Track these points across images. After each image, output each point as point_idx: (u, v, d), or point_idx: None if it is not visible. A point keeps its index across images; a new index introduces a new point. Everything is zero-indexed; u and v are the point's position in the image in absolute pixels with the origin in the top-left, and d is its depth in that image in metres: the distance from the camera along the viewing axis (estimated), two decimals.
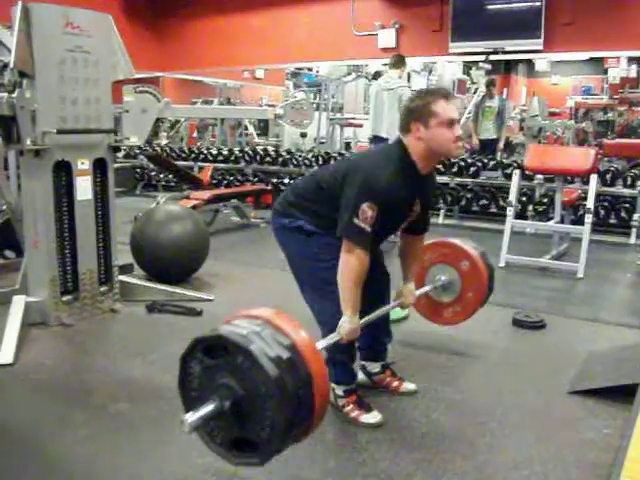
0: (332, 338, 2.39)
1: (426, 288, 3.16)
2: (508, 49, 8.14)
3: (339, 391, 2.65)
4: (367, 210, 2.33)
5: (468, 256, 3.17)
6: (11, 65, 3.44)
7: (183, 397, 1.92)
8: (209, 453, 2.37)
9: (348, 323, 2.40)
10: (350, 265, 2.38)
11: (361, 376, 2.89)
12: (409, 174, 2.46)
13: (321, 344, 2.28)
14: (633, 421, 2.36)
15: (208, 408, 1.78)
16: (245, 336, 1.79)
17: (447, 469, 2.28)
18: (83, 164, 3.77)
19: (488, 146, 8.81)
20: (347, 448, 2.44)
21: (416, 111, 2.43)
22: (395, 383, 2.91)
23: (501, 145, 8.97)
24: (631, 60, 13.71)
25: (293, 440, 1.89)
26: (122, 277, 4.25)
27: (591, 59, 12.78)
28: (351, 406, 2.63)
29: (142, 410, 2.73)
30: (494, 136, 8.86)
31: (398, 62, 6.47)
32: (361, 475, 2.24)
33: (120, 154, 9.08)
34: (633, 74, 14.35)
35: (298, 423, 1.83)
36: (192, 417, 1.75)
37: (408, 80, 7.31)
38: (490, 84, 9.02)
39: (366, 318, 2.55)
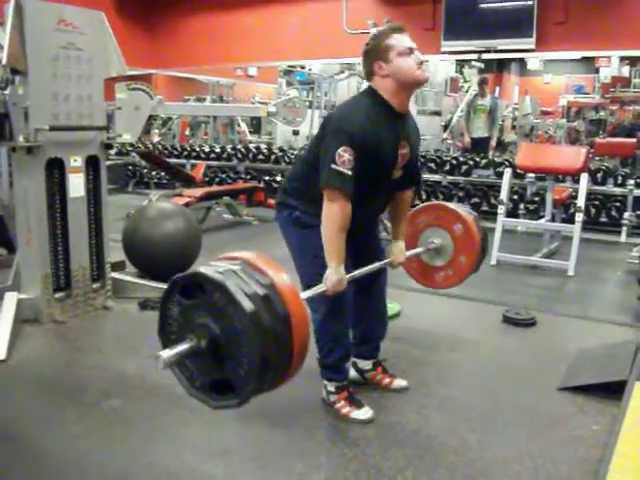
0: (318, 289, 2.37)
1: (417, 250, 3.12)
2: (500, 48, 8.18)
3: (331, 387, 2.67)
4: (343, 154, 2.34)
5: (462, 220, 3.14)
6: (4, 62, 3.44)
7: (163, 342, 1.91)
8: (202, 449, 2.41)
9: (334, 274, 2.38)
10: (332, 213, 2.38)
11: (353, 373, 2.90)
12: (386, 114, 2.48)
13: (305, 294, 2.26)
14: (621, 417, 2.40)
15: (184, 346, 1.77)
16: (221, 273, 1.78)
17: (438, 464, 2.31)
18: (76, 161, 3.76)
19: (480, 144, 8.84)
20: (338, 444, 2.46)
21: (374, 50, 2.48)
22: (386, 380, 2.93)
23: (493, 143, 8.99)
24: (623, 60, 13.77)
25: (271, 381, 1.85)
26: (114, 274, 4.25)
27: (583, 58, 12.83)
28: (342, 402, 2.65)
29: (135, 406, 2.74)
30: (486, 134, 8.88)
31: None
32: (352, 470, 2.26)
33: (112, 151, 9.06)
34: (625, 73, 14.42)
35: (276, 362, 1.80)
36: (167, 353, 1.74)
37: None
38: (482, 82, 9.02)
39: (353, 273, 2.52)
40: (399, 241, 2.85)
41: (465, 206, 3.29)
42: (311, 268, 2.56)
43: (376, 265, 2.71)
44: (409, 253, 2.96)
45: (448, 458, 2.35)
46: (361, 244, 2.66)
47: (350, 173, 2.34)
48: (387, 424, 2.61)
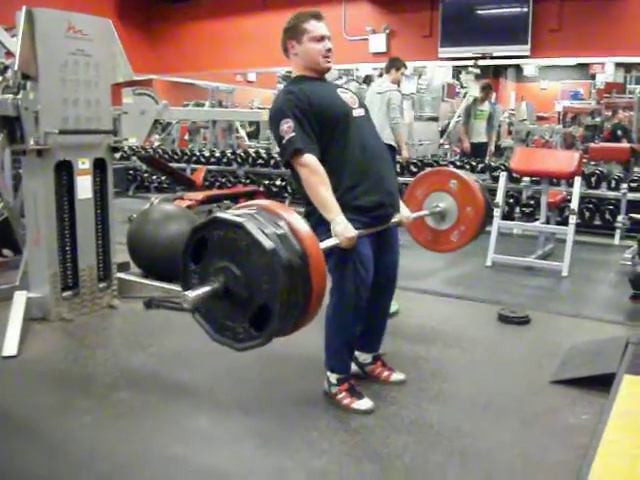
0: (330, 242, 2.43)
1: (423, 212, 3.22)
2: (496, 54, 8.32)
3: (333, 379, 2.78)
4: (282, 125, 2.53)
5: (453, 175, 3.25)
6: (15, 67, 3.56)
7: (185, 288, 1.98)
8: (208, 438, 2.52)
9: (337, 224, 2.48)
10: (304, 175, 2.53)
11: (353, 367, 3.00)
12: (307, 80, 2.69)
13: (321, 245, 2.27)
14: (609, 407, 2.51)
15: (207, 287, 1.85)
16: (240, 216, 1.87)
17: (434, 450, 2.42)
18: (84, 164, 3.88)
19: (479, 149, 8.93)
20: (340, 432, 2.56)
21: (290, 30, 2.70)
22: (385, 373, 3.04)
23: (492, 149, 9.06)
24: (618, 66, 13.91)
25: (293, 320, 1.90)
26: (120, 274, 4.36)
27: (579, 65, 12.97)
28: (344, 394, 2.75)
29: (142, 398, 2.84)
30: (485, 139, 8.95)
31: (388, 66, 6.60)
32: (353, 456, 2.37)
33: (117, 155, 9.17)
34: (620, 79, 14.55)
35: (296, 298, 1.85)
36: (192, 293, 1.82)
37: (398, 85, 7.45)
38: (485, 88, 8.96)
39: (362, 231, 2.57)
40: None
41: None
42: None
43: (385, 225, 2.77)
44: (415, 214, 3.06)
45: (443, 445, 2.47)
46: (383, 226, 2.75)
47: (294, 134, 2.51)
48: (386, 414, 2.72)
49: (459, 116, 11.25)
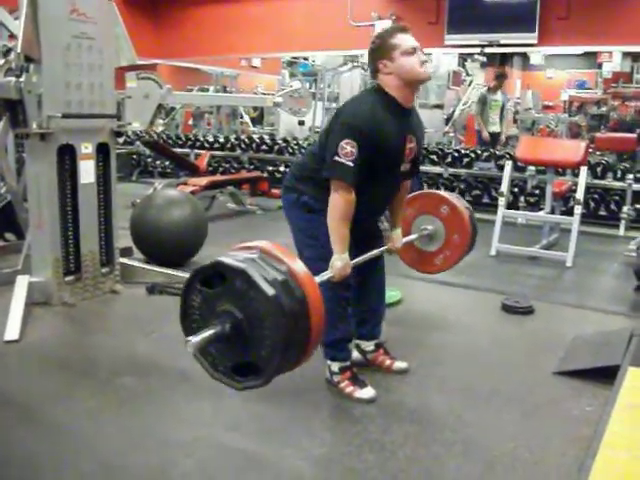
0: (324, 275, 2.46)
1: (413, 236, 3.24)
2: (503, 42, 8.25)
3: (334, 368, 2.77)
4: (345, 146, 2.44)
5: (445, 200, 3.26)
6: (18, 50, 3.53)
7: (186, 331, 2.00)
8: (211, 424, 2.51)
9: (339, 260, 2.50)
10: (336, 203, 2.50)
11: (355, 354, 3.00)
12: (392, 108, 2.58)
13: (316, 280, 2.30)
14: (613, 399, 2.50)
15: (209, 331, 1.86)
16: (242, 261, 1.87)
17: (436, 440, 2.41)
18: (87, 148, 3.86)
19: (494, 139, 8.82)
20: (342, 421, 2.56)
21: (378, 49, 2.59)
22: (388, 361, 3.03)
23: (503, 138, 9.00)
24: (625, 55, 13.81)
25: (293, 361, 1.95)
26: (122, 260, 4.35)
27: (586, 53, 12.88)
28: (346, 382, 2.75)
29: (145, 383, 2.84)
30: (499, 129, 8.84)
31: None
32: (355, 445, 2.36)
33: (120, 140, 9.15)
34: (627, 69, 14.46)
35: (296, 342, 1.90)
36: (195, 338, 1.84)
37: None
38: (500, 76, 8.84)
39: (356, 260, 2.63)
40: (397, 228, 2.98)
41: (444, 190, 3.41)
42: (314, 249, 2.69)
43: (375, 252, 2.83)
44: (405, 240, 3.07)
45: (445, 434, 2.46)
46: (365, 232, 2.77)
47: (352, 165, 2.45)
48: (388, 403, 2.71)
49: (464, 104, 11.19)
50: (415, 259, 3.39)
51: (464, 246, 3.28)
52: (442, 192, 3.31)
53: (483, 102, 8.83)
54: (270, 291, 1.82)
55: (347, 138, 2.45)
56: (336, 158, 2.45)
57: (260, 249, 1.97)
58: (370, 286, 2.94)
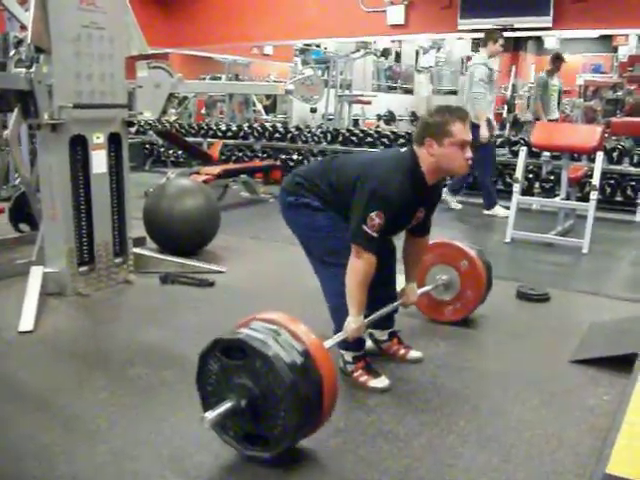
0: (339, 337, 2.56)
1: (427, 287, 3.32)
2: (517, 26, 8.14)
3: (348, 357, 2.76)
4: (375, 218, 2.46)
5: (467, 256, 3.33)
6: (28, 40, 3.52)
7: (200, 390, 2.11)
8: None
9: (353, 323, 2.55)
10: (357, 268, 2.51)
11: (369, 343, 2.99)
12: (417, 183, 2.57)
13: (329, 343, 2.44)
14: (631, 388, 2.46)
15: (226, 405, 1.96)
16: (263, 341, 1.96)
17: (451, 430, 2.39)
18: (98, 138, 3.85)
19: None
20: (356, 411, 2.54)
21: (432, 127, 2.53)
22: (402, 351, 3.01)
23: None
24: None
25: (303, 436, 2.06)
26: (136, 249, 4.35)
27: (601, 37, 12.75)
28: (360, 371, 2.74)
29: (159, 374, 2.84)
30: (557, 116, 8.51)
31: (484, 39, 6.48)
32: (369, 435, 2.34)
33: (132, 129, 9.17)
34: None
35: (308, 422, 2.01)
36: (211, 414, 1.93)
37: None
38: (557, 59, 8.49)
39: (370, 317, 2.71)
40: (412, 282, 2.98)
41: (467, 242, 3.54)
42: (321, 242, 2.73)
43: (389, 308, 2.89)
44: (420, 291, 3.11)
45: (460, 424, 2.43)
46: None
47: (377, 236, 2.47)
48: (403, 392, 2.69)
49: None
50: (425, 305, 3.47)
51: (475, 302, 3.38)
52: (465, 246, 3.36)
53: (544, 86, 8.42)
54: (289, 378, 1.90)
55: (378, 210, 2.45)
56: (364, 227, 2.46)
57: (280, 324, 2.05)
58: (381, 274, 2.90)
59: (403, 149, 2.67)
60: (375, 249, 2.50)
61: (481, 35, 6.93)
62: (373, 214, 2.45)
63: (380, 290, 2.84)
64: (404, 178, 2.52)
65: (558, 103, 8.58)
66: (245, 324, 2.09)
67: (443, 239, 3.47)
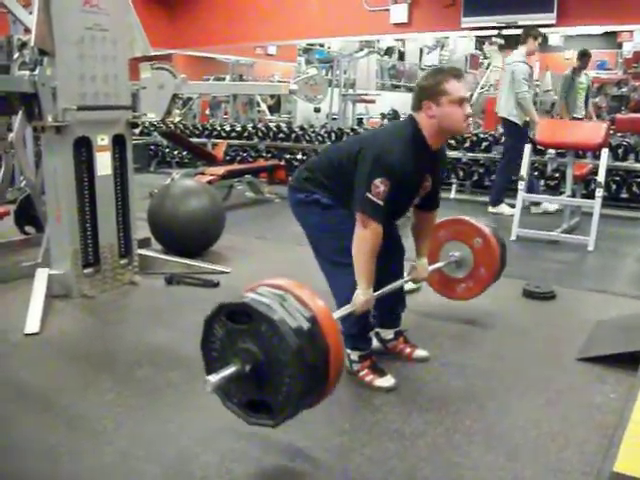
0: (346, 309, 2.50)
1: (439, 264, 3.26)
2: (521, 23, 8.10)
3: (354, 356, 2.75)
4: (379, 185, 2.43)
5: (481, 233, 3.26)
6: (32, 43, 3.53)
7: (205, 356, 2.05)
8: (228, 415, 2.49)
9: (362, 295, 2.51)
10: (364, 238, 2.48)
11: (375, 343, 2.98)
12: (420, 150, 2.55)
13: (336, 314, 2.38)
14: (638, 385, 2.45)
15: (230, 370, 1.90)
16: (269, 305, 1.90)
17: (457, 429, 2.38)
18: (103, 140, 3.86)
19: None
20: (361, 410, 2.54)
21: (428, 89, 2.52)
22: (408, 350, 3.01)
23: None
24: None
25: (307, 406, 2.01)
26: (141, 251, 4.36)
27: (605, 33, 12.66)
28: (365, 371, 2.73)
29: (165, 376, 2.84)
30: (585, 114, 8.32)
31: (524, 36, 6.44)
32: (375, 434, 2.34)
33: (136, 131, 9.17)
34: None
35: (313, 390, 1.95)
36: (214, 378, 1.87)
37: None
38: (584, 56, 8.35)
39: (380, 291, 2.66)
40: (422, 258, 2.95)
41: (483, 219, 3.44)
42: (330, 242, 2.70)
43: (399, 282, 2.86)
44: (431, 268, 3.06)
45: (466, 423, 2.43)
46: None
47: (382, 203, 2.45)
48: (408, 392, 2.69)
49: (482, 87, 11.06)
50: (437, 281, 3.43)
51: (489, 280, 3.31)
52: (480, 224, 3.30)
53: (568, 85, 8.30)
54: (294, 343, 1.84)
55: (382, 177, 2.43)
56: (368, 195, 2.44)
57: (285, 289, 2.00)
58: (389, 270, 2.88)
59: (402, 119, 2.66)
60: (381, 218, 2.47)
61: (484, 33, 6.89)
62: (377, 181, 2.43)
63: (390, 301, 2.88)
64: (406, 145, 2.51)
65: (586, 101, 8.39)
66: (252, 289, 2.05)
67: (457, 216, 3.43)
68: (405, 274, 2.97)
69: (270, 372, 1.90)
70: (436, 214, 2.96)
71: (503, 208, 6.58)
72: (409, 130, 2.57)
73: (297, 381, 1.87)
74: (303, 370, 1.87)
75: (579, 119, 8.11)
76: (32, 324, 3.33)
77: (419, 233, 2.94)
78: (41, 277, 3.76)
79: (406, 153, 2.49)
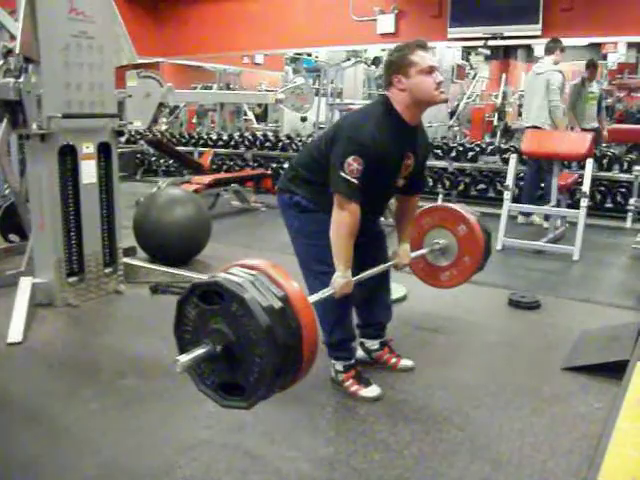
0: (325, 292, 2.43)
1: (422, 251, 3.19)
2: (507, 34, 8.17)
3: (339, 367, 2.74)
4: (352, 163, 2.40)
5: (465, 220, 3.20)
6: (17, 50, 3.51)
7: (178, 339, 1.99)
8: (215, 425, 2.49)
9: (341, 278, 2.45)
10: (341, 219, 2.45)
11: (360, 353, 2.98)
12: (396, 126, 2.53)
13: (313, 298, 2.32)
14: (622, 395, 2.46)
15: (200, 350, 1.85)
16: (240, 284, 1.85)
17: (442, 439, 2.38)
18: (88, 148, 3.84)
19: (595, 137, 8.06)
20: (347, 420, 2.53)
21: (395, 63, 2.51)
22: (393, 359, 3.00)
23: (605, 134, 8.20)
24: (631, 46, 13.71)
25: (280, 387, 1.95)
26: (126, 259, 4.33)
27: (591, 44, 12.78)
28: (350, 381, 2.72)
29: (149, 385, 2.82)
30: (596, 125, 8.10)
31: (551, 47, 6.43)
32: (360, 444, 2.33)
33: (122, 139, 9.13)
34: (632, 60, 14.36)
35: (286, 371, 1.90)
36: (185, 358, 1.82)
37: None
38: (591, 65, 8.18)
39: (360, 275, 2.60)
40: (404, 243, 2.91)
41: (468, 207, 3.36)
42: (308, 252, 2.69)
43: (381, 267, 2.79)
44: (414, 254, 3.01)
45: (452, 433, 2.43)
46: (363, 239, 2.69)
47: (357, 182, 2.41)
48: (394, 402, 2.68)
49: (469, 97, 11.12)
50: (421, 268, 3.35)
51: (473, 269, 3.25)
52: (464, 211, 3.23)
53: (577, 95, 8.08)
54: (265, 322, 1.80)
55: (354, 155, 2.40)
56: (342, 174, 2.41)
57: (259, 269, 1.95)
58: (373, 297, 2.93)
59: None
60: (357, 197, 2.43)
61: (470, 43, 6.91)
62: (350, 159, 2.40)
63: (376, 309, 2.91)
64: (379, 121, 2.49)
65: (600, 110, 8.27)
66: (225, 270, 1.99)
67: (442, 203, 3.40)
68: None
69: (242, 352, 1.86)
70: (418, 199, 2.93)
71: (534, 217, 6.62)
72: (381, 107, 2.56)
73: (269, 360, 1.82)
74: (275, 349, 1.83)
75: (588, 130, 7.70)
76: (15, 333, 3.30)
77: (401, 218, 2.91)
78: (25, 286, 3.72)
79: (379, 129, 2.46)
